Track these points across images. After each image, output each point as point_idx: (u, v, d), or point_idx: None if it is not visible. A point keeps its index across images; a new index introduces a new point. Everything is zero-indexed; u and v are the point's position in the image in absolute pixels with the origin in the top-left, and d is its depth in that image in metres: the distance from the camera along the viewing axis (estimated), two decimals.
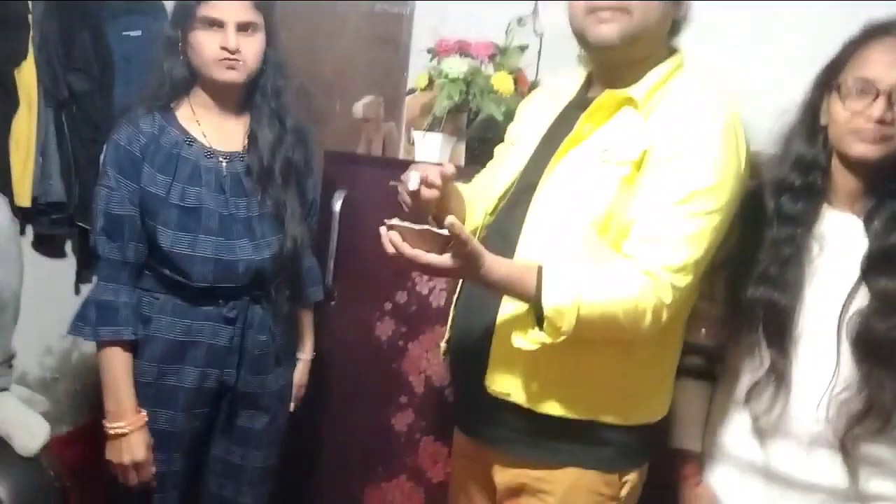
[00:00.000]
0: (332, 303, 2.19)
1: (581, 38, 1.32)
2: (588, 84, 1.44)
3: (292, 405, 1.93)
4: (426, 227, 1.19)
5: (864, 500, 1.32)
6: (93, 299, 1.64)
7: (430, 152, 2.31)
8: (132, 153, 1.58)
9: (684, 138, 1.21)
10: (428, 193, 1.35)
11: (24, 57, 2.39)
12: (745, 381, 1.37)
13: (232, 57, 1.55)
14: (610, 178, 1.24)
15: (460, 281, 1.51)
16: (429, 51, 2.37)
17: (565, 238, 1.26)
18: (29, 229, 2.52)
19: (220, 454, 1.79)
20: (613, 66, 1.32)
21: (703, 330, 1.40)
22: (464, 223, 1.44)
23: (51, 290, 2.58)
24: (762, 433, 1.35)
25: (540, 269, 1.20)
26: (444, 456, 2.08)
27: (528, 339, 1.23)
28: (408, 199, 1.38)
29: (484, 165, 1.73)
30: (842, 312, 1.28)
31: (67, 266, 2.79)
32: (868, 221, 1.31)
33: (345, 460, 2.22)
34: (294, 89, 1.74)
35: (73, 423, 2.69)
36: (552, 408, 1.31)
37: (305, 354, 1.94)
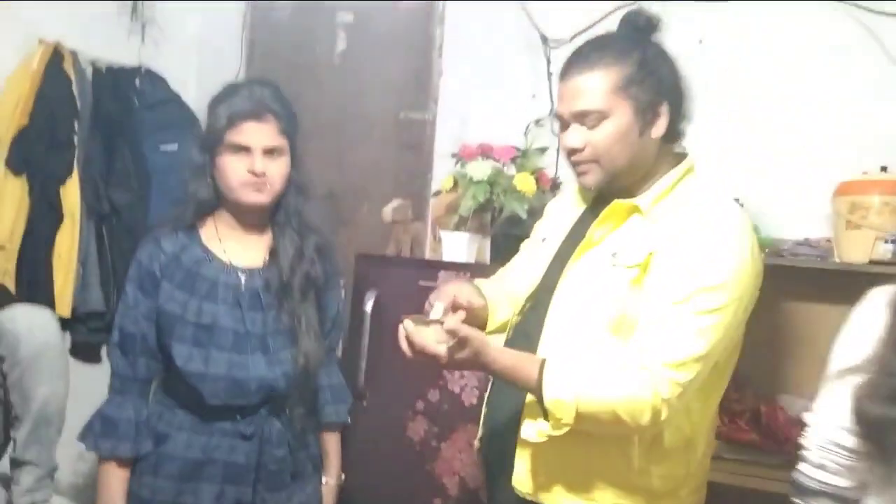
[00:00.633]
0: (364, 403, 2.19)
1: None
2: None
3: None
4: (436, 319, 1.25)
5: None
6: (100, 411, 1.63)
7: (457, 250, 2.37)
8: (151, 271, 1.59)
9: (686, 240, 1.24)
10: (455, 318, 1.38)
11: (70, 174, 2.53)
12: None
13: (259, 180, 1.58)
14: (620, 280, 1.27)
15: (491, 377, 1.52)
16: (453, 155, 2.46)
17: (582, 338, 1.29)
18: (67, 337, 2.59)
19: None
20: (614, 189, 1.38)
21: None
22: (486, 322, 1.49)
23: (85, 394, 2.60)
24: None
25: (543, 363, 1.24)
26: None
27: (535, 431, 1.26)
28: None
29: (508, 261, 1.76)
30: None
31: (101, 371, 2.83)
32: None
33: None
34: (316, 207, 1.78)
35: None
36: None
37: (332, 479, 1.80)
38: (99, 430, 1.60)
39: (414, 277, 2.23)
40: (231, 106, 1.57)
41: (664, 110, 1.30)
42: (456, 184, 2.46)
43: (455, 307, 1.38)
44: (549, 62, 2.58)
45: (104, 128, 2.66)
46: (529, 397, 1.31)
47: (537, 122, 2.58)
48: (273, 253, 1.65)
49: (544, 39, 2.60)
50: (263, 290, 1.62)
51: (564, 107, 1.32)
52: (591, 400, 1.20)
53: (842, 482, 1.16)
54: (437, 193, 2.57)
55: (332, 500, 1.81)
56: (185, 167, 1.66)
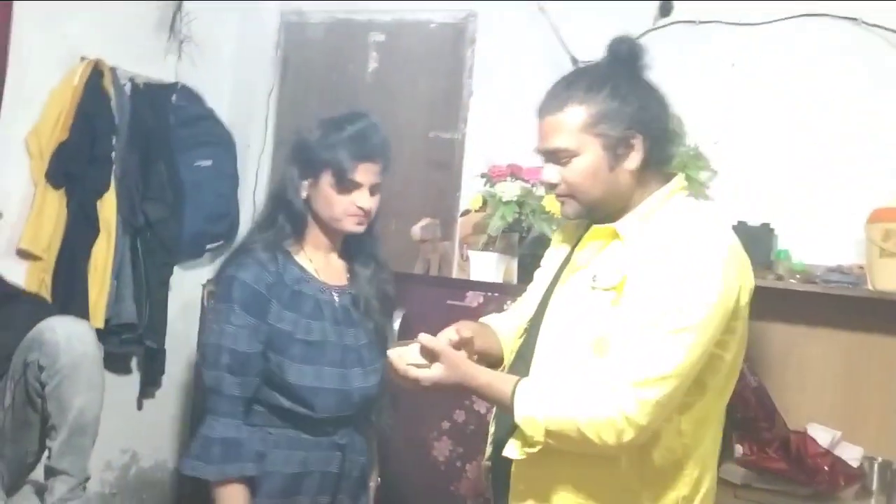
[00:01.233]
0: (390, 422, 2.20)
1: None
2: None
3: None
4: (415, 342, 1.31)
5: None
6: (216, 437, 1.59)
7: (485, 270, 2.38)
8: (259, 292, 1.62)
9: (657, 261, 1.26)
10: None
11: (107, 188, 2.59)
12: None
13: (363, 215, 1.67)
14: (599, 303, 1.30)
15: None
16: (482, 175, 2.48)
17: (567, 359, 1.32)
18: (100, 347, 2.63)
19: None
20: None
21: None
22: (500, 355, 1.51)
23: (113, 405, 2.65)
24: None
25: (517, 382, 1.28)
26: None
27: (513, 449, 1.30)
28: None
29: None
30: None
31: (130, 382, 2.89)
32: None
33: None
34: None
35: None
36: None
37: (373, 482, 1.89)
38: (220, 456, 1.59)
39: (442, 296, 2.24)
40: (354, 147, 1.64)
41: (638, 143, 1.32)
42: (485, 203, 2.47)
43: (457, 345, 1.42)
44: None
45: (141, 143, 2.71)
46: None
47: None
48: (353, 272, 1.76)
49: (574, 61, 2.61)
50: (352, 306, 1.72)
51: (539, 144, 1.38)
52: (558, 418, 1.24)
53: None
54: (466, 213, 2.59)
55: (374, 501, 1.88)
56: (281, 188, 1.71)
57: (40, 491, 1.86)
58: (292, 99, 3.15)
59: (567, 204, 1.38)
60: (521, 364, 1.40)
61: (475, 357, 1.45)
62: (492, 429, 1.50)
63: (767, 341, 2.27)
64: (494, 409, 1.51)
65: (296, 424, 1.66)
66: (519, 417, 1.26)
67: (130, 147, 2.68)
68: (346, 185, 1.64)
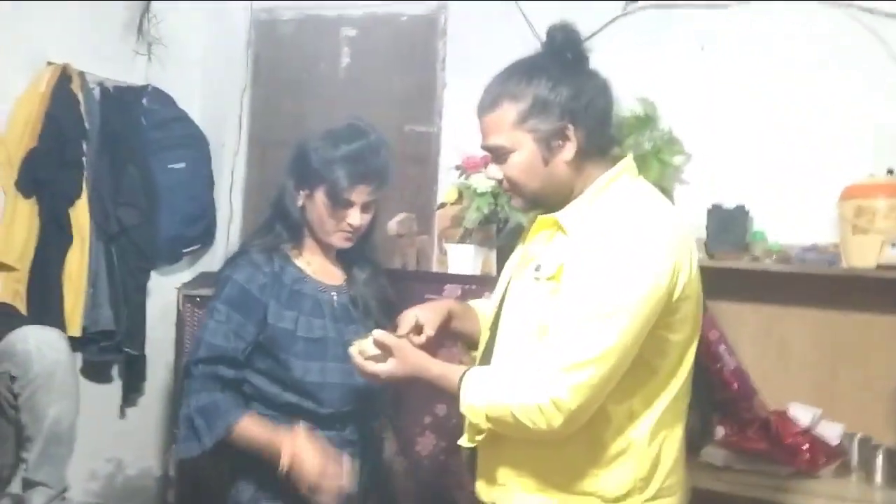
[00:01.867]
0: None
1: None
2: None
3: None
4: (372, 337, 1.39)
5: None
6: (192, 410, 1.61)
7: (463, 263, 2.37)
8: (249, 291, 1.65)
9: (593, 249, 1.28)
10: (418, 340, 1.48)
11: (79, 195, 2.56)
12: None
13: (352, 233, 1.69)
14: (541, 292, 1.33)
15: None
16: (457, 167, 2.47)
17: (519, 349, 1.36)
18: (77, 356, 2.61)
19: None
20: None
21: None
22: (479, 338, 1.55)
23: (95, 414, 2.64)
24: None
25: (465, 372, 1.33)
26: None
27: (464, 436, 1.37)
28: None
29: None
30: None
31: (112, 391, 2.87)
32: None
33: None
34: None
35: None
36: None
37: None
38: (204, 424, 1.60)
39: (420, 291, 2.23)
40: (350, 167, 1.64)
41: (571, 133, 1.33)
42: (460, 196, 2.47)
43: (417, 329, 1.47)
44: None
45: (112, 147, 2.69)
46: None
47: None
48: (349, 275, 1.77)
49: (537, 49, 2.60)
50: (351, 304, 1.75)
51: (481, 141, 1.41)
52: (494, 405, 1.28)
53: None
54: (442, 206, 2.58)
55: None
56: (281, 196, 1.73)
57: (18, 503, 1.84)
58: (265, 97, 3.13)
59: (513, 198, 1.42)
60: (487, 354, 1.43)
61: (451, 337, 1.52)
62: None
63: (746, 322, 2.28)
64: None
65: (307, 420, 1.67)
66: (463, 406, 1.31)
67: (102, 152, 2.66)
68: (339, 203, 1.66)
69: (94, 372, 2.75)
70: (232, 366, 1.64)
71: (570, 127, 1.32)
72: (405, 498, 2.16)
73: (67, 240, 2.53)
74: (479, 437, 1.34)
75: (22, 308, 2.39)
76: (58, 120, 2.52)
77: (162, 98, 2.93)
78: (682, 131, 2.39)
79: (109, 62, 2.78)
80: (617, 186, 1.36)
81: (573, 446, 1.30)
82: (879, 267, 2.00)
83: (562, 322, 1.27)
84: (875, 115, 2.23)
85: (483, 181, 2.31)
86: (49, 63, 2.57)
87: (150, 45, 2.93)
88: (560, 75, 1.33)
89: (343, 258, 1.79)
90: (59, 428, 1.77)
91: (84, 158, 2.60)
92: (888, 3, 2.23)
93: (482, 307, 1.61)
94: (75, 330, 2.51)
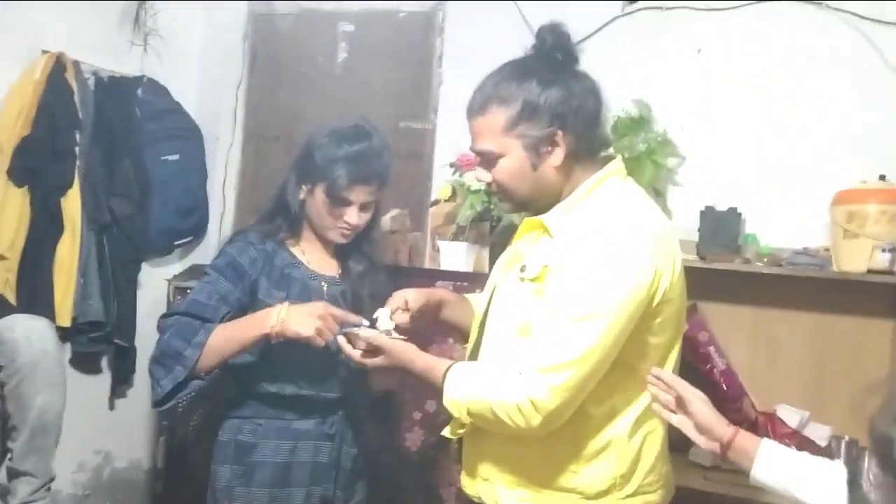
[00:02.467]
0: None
1: None
2: None
3: None
4: (362, 330, 1.45)
5: None
6: (152, 360, 1.60)
7: (456, 260, 2.37)
8: (240, 263, 1.68)
9: (576, 251, 1.29)
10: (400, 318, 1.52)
11: (71, 185, 2.54)
12: None
13: (349, 230, 1.71)
14: (525, 292, 1.34)
15: None
16: (451, 164, 2.47)
17: (501, 346, 1.38)
18: (67, 347, 2.60)
19: None
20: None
21: None
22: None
23: (84, 405, 2.63)
24: None
25: (449, 367, 1.35)
26: None
27: (448, 428, 1.40)
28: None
29: None
30: None
31: (102, 382, 2.86)
32: None
33: None
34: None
35: None
36: None
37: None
38: (163, 368, 1.57)
39: (412, 287, 2.22)
40: (351, 167, 1.66)
41: (560, 139, 1.33)
42: (454, 193, 2.47)
43: (406, 310, 1.52)
44: None
45: (106, 137, 2.67)
46: None
47: None
48: (345, 267, 1.79)
49: (527, 50, 2.60)
50: (341, 296, 1.75)
51: (471, 144, 1.41)
52: (475, 400, 1.30)
53: None
54: (436, 203, 2.58)
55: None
56: (284, 187, 1.75)
57: (4, 493, 1.83)
58: (261, 91, 3.12)
59: (502, 200, 1.44)
60: (475, 351, 1.45)
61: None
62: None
63: (736, 324, 2.28)
64: None
65: (285, 410, 1.69)
66: (445, 400, 1.33)
67: (95, 142, 2.64)
68: (337, 201, 1.68)
69: (84, 363, 2.74)
70: (207, 319, 1.61)
71: (559, 132, 1.32)
72: (392, 492, 2.16)
73: (58, 229, 2.51)
74: (460, 431, 1.37)
75: (11, 297, 2.38)
76: (51, 109, 2.51)
77: (157, 89, 2.91)
78: (676, 133, 2.39)
79: (105, 52, 2.77)
80: (604, 189, 1.36)
81: (554, 443, 1.31)
82: (870, 271, 2.01)
83: (543, 323, 1.28)
84: (868, 121, 2.24)
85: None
86: (44, 52, 2.55)
87: (146, 35, 2.92)
88: (550, 78, 1.33)
89: (341, 252, 1.80)
90: (45, 418, 1.76)
91: (77, 148, 2.58)
92: (883, 10, 2.24)
93: (476, 301, 1.62)
94: (65, 320, 2.50)
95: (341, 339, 1.47)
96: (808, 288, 2.16)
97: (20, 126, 2.45)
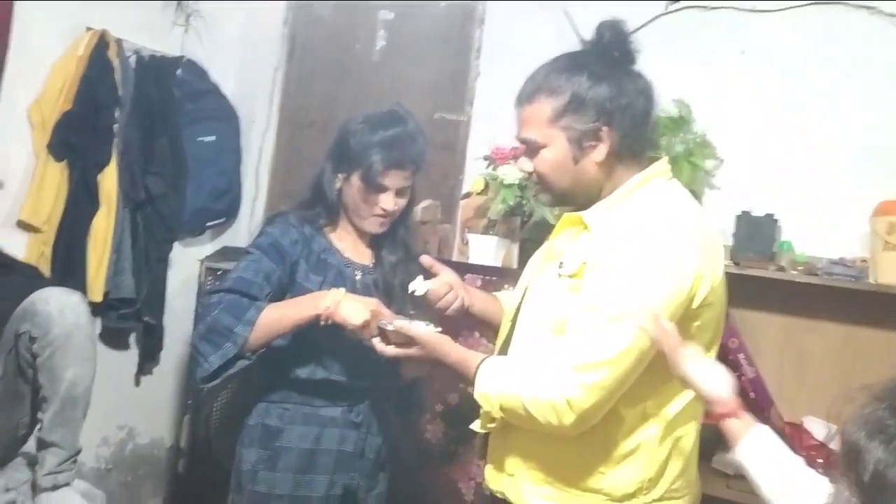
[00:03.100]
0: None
1: None
2: None
3: None
4: (396, 325, 1.46)
5: None
6: (197, 340, 1.59)
7: (485, 254, 2.36)
8: (281, 243, 1.68)
9: (617, 249, 1.28)
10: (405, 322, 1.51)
11: (108, 162, 2.58)
12: None
13: (386, 218, 1.72)
14: (562, 288, 1.33)
15: None
16: (485, 158, 2.45)
17: (535, 340, 1.37)
18: (97, 322, 2.63)
19: None
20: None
21: None
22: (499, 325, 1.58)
23: (111, 381, 2.67)
24: None
25: (482, 360, 1.35)
26: None
27: (477, 422, 1.39)
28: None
29: None
30: None
31: (129, 358, 2.90)
32: None
33: None
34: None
35: None
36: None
37: None
38: (224, 326, 1.56)
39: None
40: (386, 152, 1.67)
41: (605, 135, 1.32)
42: (486, 186, 2.45)
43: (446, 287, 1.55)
44: None
45: (144, 116, 2.70)
46: None
47: None
48: (379, 257, 1.79)
49: (584, 44, 2.57)
50: (374, 286, 1.76)
51: (516, 132, 1.41)
52: (507, 395, 1.29)
53: None
54: (467, 195, 2.57)
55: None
56: (320, 176, 1.76)
57: (33, 463, 1.86)
58: (299, 76, 3.13)
59: (542, 192, 1.43)
60: (506, 345, 1.45)
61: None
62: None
63: (767, 332, 2.24)
64: None
65: (313, 396, 1.70)
66: (477, 393, 1.33)
67: (133, 120, 2.67)
68: (373, 187, 1.68)
69: (112, 338, 2.77)
70: (254, 298, 1.61)
71: (605, 128, 1.31)
72: (412, 484, 2.17)
73: (94, 205, 2.55)
74: (490, 425, 1.36)
75: (46, 270, 2.42)
76: (92, 85, 2.54)
77: (196, 70, 2.94)
78: (715, 135, 2.36)
79: (147, 31, 2.79)
80: (648, 188, 1.34)
81: (584, 443, 1.30)
82: None
83: (580, 320, 1.27)
84: None
85: (511, 172, 2.29)
86: (88, 29, 2.58)
87: (188, 16, 2.94)
88: (602, 74, 1.32)
89: (376, 242, 1.81)
90: (74, 391, 1.78)
91: (116, 125, 2.61)
92: None
93: (505, 298, 1.62)
94: (97, 295, 2.54)
95: (375, 339, 1.49)
96: (842, 299, 2.11)
97: (62, 101, 2.48)
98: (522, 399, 1.26)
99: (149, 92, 2.72)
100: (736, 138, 2.38)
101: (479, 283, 2.23)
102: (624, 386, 1.25)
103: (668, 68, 2.40)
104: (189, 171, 2.83)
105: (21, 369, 1.80)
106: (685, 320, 1.27)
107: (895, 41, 2.22)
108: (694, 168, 2.29)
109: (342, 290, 1.59)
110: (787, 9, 2.35)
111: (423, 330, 1.44)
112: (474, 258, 2.36)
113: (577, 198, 1.38)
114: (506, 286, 2.01)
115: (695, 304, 1.27)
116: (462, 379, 1.40)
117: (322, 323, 1.57)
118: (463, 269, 2.29)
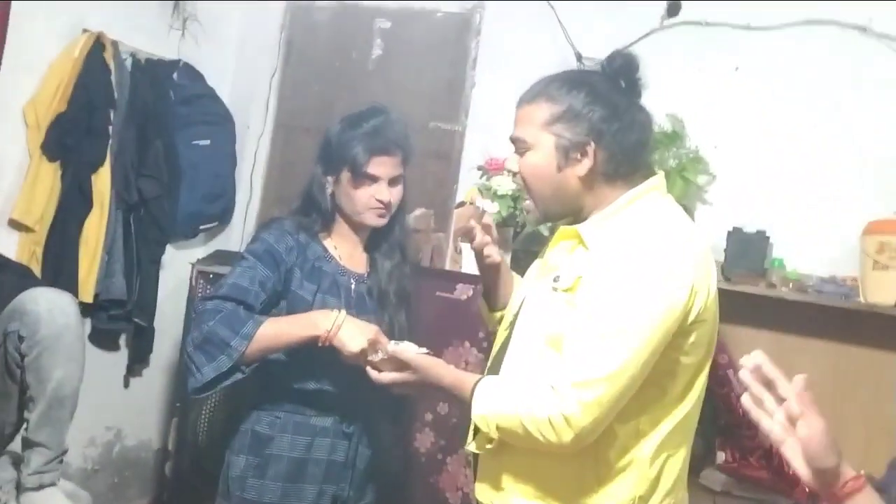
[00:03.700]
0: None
1: None
2: None
3: None
4: (391, 350, 1.45)
5: None
6: (192, 349, 1.56)
7: None
8: (277, 249, 1.67)
9: (612, 264, 1.28)
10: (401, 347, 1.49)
11: (102, 163, 2.57)
12: None
13: (383, 208, 1.70)
14: (558, 302, 1.33)
15: None
16: (479, 168, 2.46)
17: (530, 355, 1.37)
18: (87, 323, 2.62)
19: None
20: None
21: None
22: (504, 303, 1.58)
23: (100, 382, 2.66)
24: None
25: (477, 381, 1.33)
26: None
27: (474, 443, 1.36)
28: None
29: None
30: None
31: (118, 360, 2.89)
32: None
33: None
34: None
35: None
36: None
37: None
38: (204, 358, 1.54)
39: (431, 288, 2.23)
40: (368, 141, 1.67)
41: (591, 151, 1.33)
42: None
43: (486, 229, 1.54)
44: None
45: (139, 118, 2.69)
46: None
47: None
48: (373, 263, 1.78)
49: (579, 57, 2.59)
50: (367, 294, 1.75)
51: (512, 132, 1.42)
52: (505, 415, 1.28)
53: None
54: (461, 205, 2.57)
55: None
56: (311, 183, 1.75)
57: (18, 462, 1.85)
58: (294, 82, 3.13)
59: (528, 199, 1.41)
60: (500, 356, 1.43)
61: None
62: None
63: (756, 349, 2.24)
64: None
65: (305, 405, 1.69)
66: (474, 416, 1.31)
67: (128, 122, 2.67)
68: (362, 179, 1.68)
69: (102, 340, 2.76)
70: (248, 311, 1.60)
71: (592, 144, 1.32)
72: (399, 494, 2.16)
73: (87, 206, 2.54)
74: (489, 446, 1.34)
75: (37, 270, 2.40)
76: (88, 87, 2.53)
77: (192, 74, 2.94)
78: (708, 151, 2.37)
79: (144, 34, 2.79)
80: (643, 203, 1.35)
81: (575, 459, 1.30)
82: None
83: (576, 336, 1.26)
84: None
85: (504, 183, 2.30)
86: (84, 31, 2.58)
87: (185, 20, 2.94)
88: (601, 94, 1.34)
89: (372, 244, 1.80)
90: (62, 391, 1.77)
91: (111, 127, 2.61)
92: None
93: (518, 281, 1.61)
94: (87, 296, 2.53)
95: (369, 369, 1.48)
96: (832, 317, 2.13)
97: (57, 102, 2.48)
98: (520, 417, 1.25)
99: (144, 95, 2.72)
100: (729, 154, 2.40)
101: (471, 292, 2.23)
102: (622, 402, 1.25)
103: (661, 83, 2.41)
104: (183, 175, 2.83)
105: (9, 368, 1.79)
106: (680, 337, 1.27)
107: (887, 60, 2.25)
108: (686, 183, 2.30)
109: (343, 312, 1.58)
110: (781, 27, 2.37)
111: (414, 354, 1.43)
112: (467, 267, 2.37)
113: (560, 212, 1.39)
114: None
115: (689, 320, 1.27)
116: (457, 400, 1.38)
117: (320, 345, 1.56)
118: (455, 277, 2.31)
